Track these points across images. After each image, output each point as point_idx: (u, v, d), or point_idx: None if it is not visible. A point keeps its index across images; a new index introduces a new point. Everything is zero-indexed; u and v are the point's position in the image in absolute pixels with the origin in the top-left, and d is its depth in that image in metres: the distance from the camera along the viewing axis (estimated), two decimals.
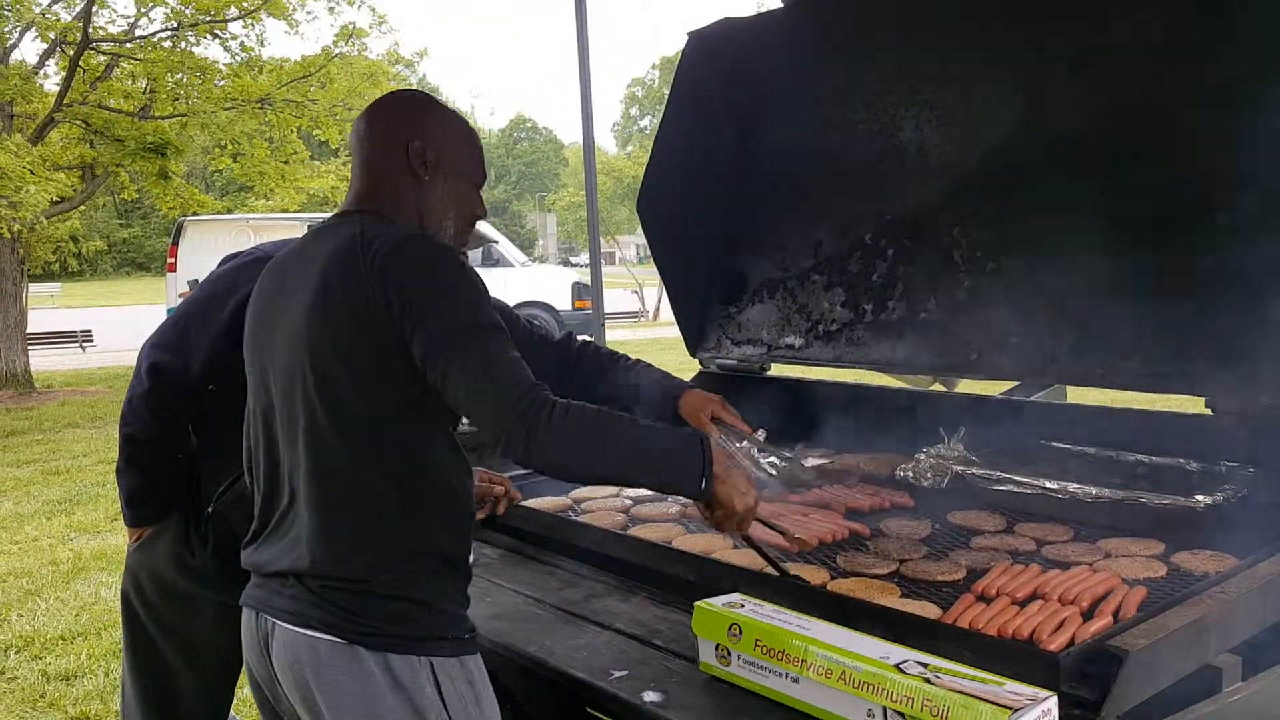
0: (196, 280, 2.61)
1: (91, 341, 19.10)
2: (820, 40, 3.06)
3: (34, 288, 18.77)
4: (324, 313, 1.62)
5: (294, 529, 1.67)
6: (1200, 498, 2.17)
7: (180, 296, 11.32)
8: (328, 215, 1.95)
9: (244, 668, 1.81)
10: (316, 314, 1.62)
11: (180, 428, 2.38)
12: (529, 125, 74.47)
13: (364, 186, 1.78)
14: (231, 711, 2.79)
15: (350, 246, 1.62)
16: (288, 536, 1.68)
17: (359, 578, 1.61)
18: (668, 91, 3.35)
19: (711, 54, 3.20)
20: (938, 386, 4.03)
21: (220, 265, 2.44)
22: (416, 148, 1.75)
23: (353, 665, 1.58)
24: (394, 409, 1.63)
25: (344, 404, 1.61)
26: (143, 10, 13.66)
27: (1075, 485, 2.30)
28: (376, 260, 1.58)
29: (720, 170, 3.32)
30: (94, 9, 12.77)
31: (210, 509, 2.35)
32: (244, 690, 3.83)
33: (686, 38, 3.22)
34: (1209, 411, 2.34)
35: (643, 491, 2.71)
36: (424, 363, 1.57)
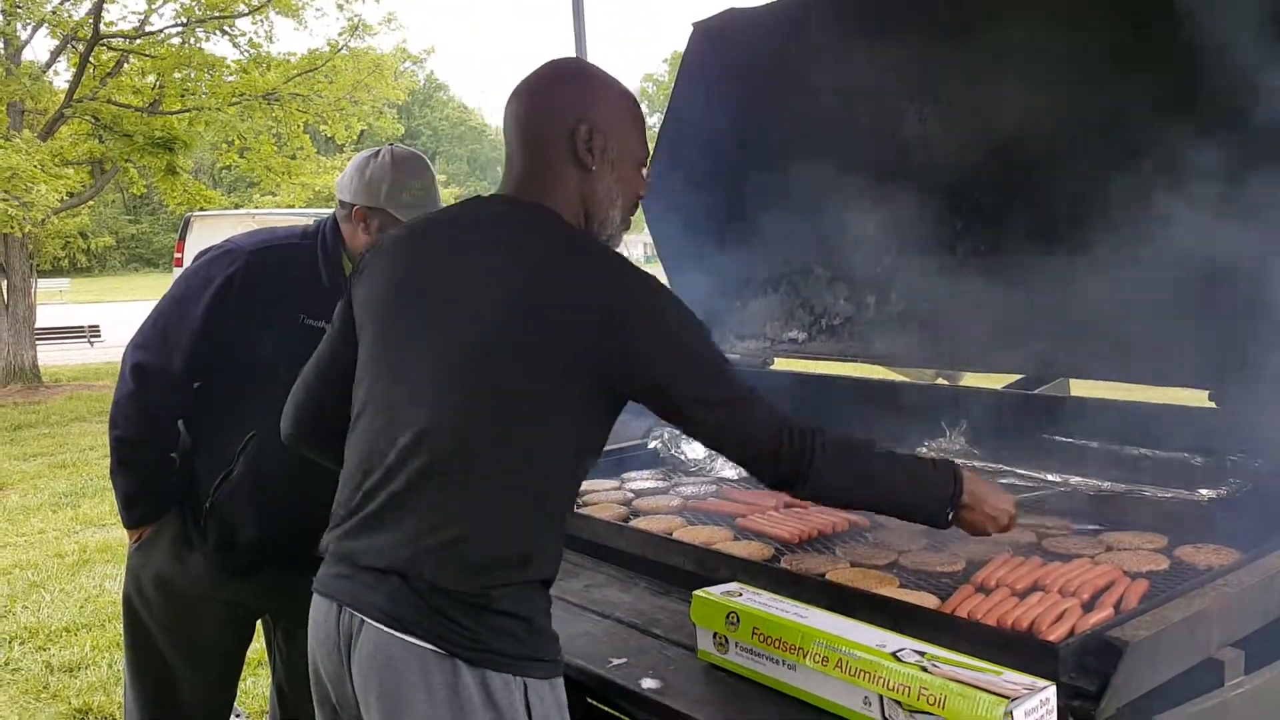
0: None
1: (99, 337, 19.15)
2: (824, 32, 3.05)
3: (43, 283, 18.79)
4: (536, 331, 1.51)
5: (409, 524, 1.51)
6: (1204, 491, 2.15)
7: None
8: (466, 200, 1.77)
9: (312, 665, 1.65)
10: (528, 328, 1.52)
11: (169, 426, 2.37)
12: None
13: (525, 172, 1.65)
14: (235, 706, 2.79)
15: (565, 279, 1.53)
16: (399, 530, 1.51)
17: (477, 590, 1.48)
18: (671, 93, 3.35)
19: (715, 46, 3.19)
20: (940, 380, 4.02)
21: (194, 260, 2.44)
22: (583, 133, 1.62)
23: (449, 678, 1.46)
24: (569, 436, 1.56)
25: (521, 418, 1.52)
26: (153, 7, 13.71)
27: (1078, 478, 2.29)
28: (613, 323, 1.49)
29: (724, 164, 3.31)
30: (105, 6, 12.81)
31: (208, 504, 2.34)
32: (246, 682, 3.86)
33: (691, 29, 3.22)
34: (1213, 405, 2.33)
35: (646, 484, 2.71)
36: (677, 418, 1.57)
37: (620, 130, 1.67)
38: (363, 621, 1.52)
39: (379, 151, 2.44)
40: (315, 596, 1.63)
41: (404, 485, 1.52)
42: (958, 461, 2.43)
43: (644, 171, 1.73)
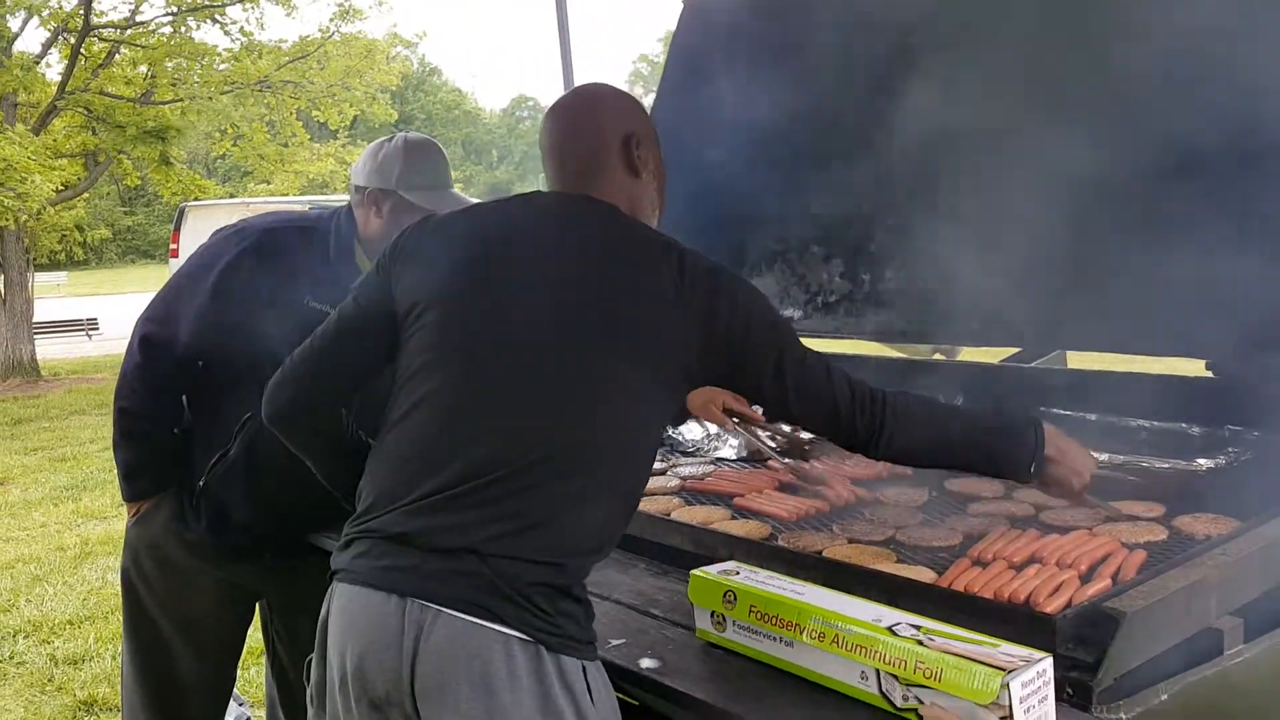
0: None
1: (98, 329, 19.13)
2: (816, 7, 3.03)
3: (40, 277, 18.80)
4: (630, 319, 1.55)
5: (493, 509, 1.49)
6: (1202, 461, 2.15)
7: None
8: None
9: (349, 661, 1.53)
10: (620, 317, 1.55)
11: (174, 400, 2.38)
12: (530, 104, 74.16)
13: (583, 172, 1.70)
14: (235, 691, 2.80)
15: (658, 265, 1.57)
16: (481, 510, 1.49)
17: (563, 575, 1.49)
18: (662, 72, 3.33)
19: (705, 23, 3.17)
20: (938, 356, 4.01)
21: (210, 237, 2.45)
22: (634, 140, 1.72)
23: (534, 665, 1.45)
24: (656, 423, 1.63)
25: (618, 411, 1.55)
26: None
27: None
28: (696, 295, 1.56)
29: (718, 142, 3.29)
30: None
31: (201, 483, 2.34)
32: (249, 671, 3.87)
33: (681, 6, 3.19)
34: (1210, 374, 2.32)
35: None
36: (757, 394, 1.65)
37: (654, 147, 1.78)
38: (437, 612, 1.46)
39: (393, 137, 2.47)
40: (354, 589, 1.54)
41: (487, 478, 1.49)
42: None
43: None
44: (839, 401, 1.63)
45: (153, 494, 2.41)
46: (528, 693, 1.44)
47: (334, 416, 1.86)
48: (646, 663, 1.66)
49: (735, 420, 2.56)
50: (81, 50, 12.83)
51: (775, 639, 1.59)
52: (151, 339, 2.32)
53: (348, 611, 1.54)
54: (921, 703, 1.39)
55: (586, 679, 1.49)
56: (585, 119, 1.74)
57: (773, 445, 2.64)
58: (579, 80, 5.97)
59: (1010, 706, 1.30)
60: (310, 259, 2.37)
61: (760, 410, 2.53)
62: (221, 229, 2.47)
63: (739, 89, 3.27)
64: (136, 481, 2.40)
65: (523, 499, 1.49)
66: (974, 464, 1.78)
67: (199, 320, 2.30)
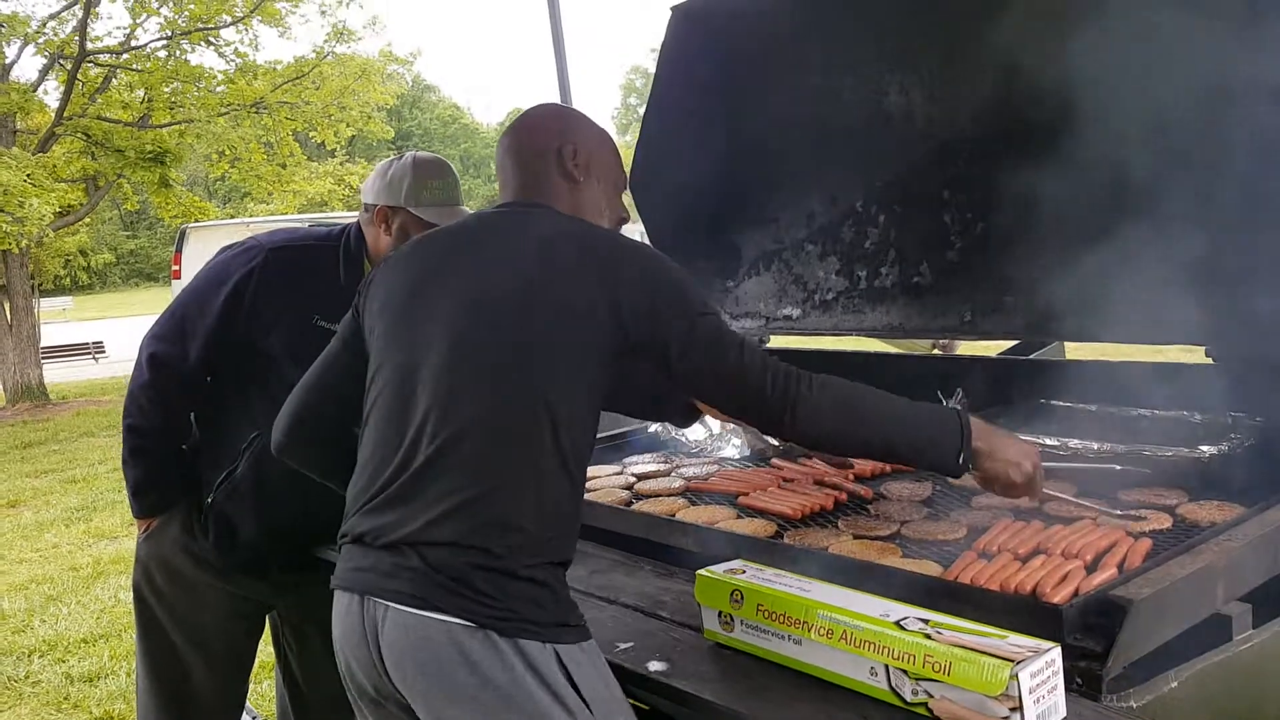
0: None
1: (104, 352, 19.19)
2: (804, 8, 3.03)
3: (45, 302, 18.86)
4: (542, 293, 1.61)
5: (430, 492, 1.54)
6: (1205, 449, 2.15)
7: None
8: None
9: (342, 662, 1.64)
10: (533, 293, 1.61)
11: (181, 417, 2.40)
12: None
13: (521, 185, 1.81)
14: (247, 703, 2.81)
15: (564, 245, 1.65)
16: (417, 501, 1.54)
17: (500, 554, 1.49)
18: (653, 80, 3.34)
19: (695, 28, 3.18)
20: (935, 351, 4.01)
21: (216, 255, 2.45)
22: (569, 151, 1.80)
23: (489, 651, 1.47)
24: (586, 393, 1.62)
25: (542, 380, 1.57)
26: (138, 21, 13.70)
27: (1077, 441, 2.28)
28: (604, 265, 1.62)
29: (710, 145, 3.30)
30: (90, 21, 12.79)
31: (209, 500, 2.35)
32: (262, 685, 3.87)
33: (670, 13, 3.20)
34: (1209, 361, 2.32)
35: (647, 468, 2.71)
36: (667, 359, 1.62)
37: (600, 153, 1.85)
38: (386, 608, 1.52)
39: (402, 155, 2.49)
40: (336, 593, 1.63)
41: (421, 463, 1.55)
42: None
43: (621, 197, 1.92)
44: (750, 374, 1.61)
45: (162, 510, 2.42)
46: (490, 678, 1.46)
47: (340, 439, 1.87)
48: (655, 666, 1.66)
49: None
50: (78, 76, 12.87)
51: (784, 637, 1.59)
52: (159, 357, 2.33)
53: (335, 617, 1.65)
54: (931, 696, 1.39)
55: (562, 663, 1.49)
56: (522, 138, 1.84)
57: (775, 444, 2.64)
58: (575, 92, 6.00)
59: (1020, 697, 1.30)
60: (319, 277, 2.37)
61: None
62: (229, 246, 2.47)
63: (730, 91, 3.28)
64: (145, 498, 2.42)
65: (444, 480, 1.53)
66: (898, 450, 1.73)
67: (207, 338, 2.31)
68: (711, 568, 1.76)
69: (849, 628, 1.50)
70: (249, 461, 2.34)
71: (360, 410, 1.76)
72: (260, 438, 2.32)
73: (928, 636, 1.42)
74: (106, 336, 20.09)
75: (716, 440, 2.85)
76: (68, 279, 40.60)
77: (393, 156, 2.50)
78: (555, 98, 4.75)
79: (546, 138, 1.81)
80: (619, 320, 1.60)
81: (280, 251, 2.38)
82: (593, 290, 1.59)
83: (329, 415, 1.85)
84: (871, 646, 1.47)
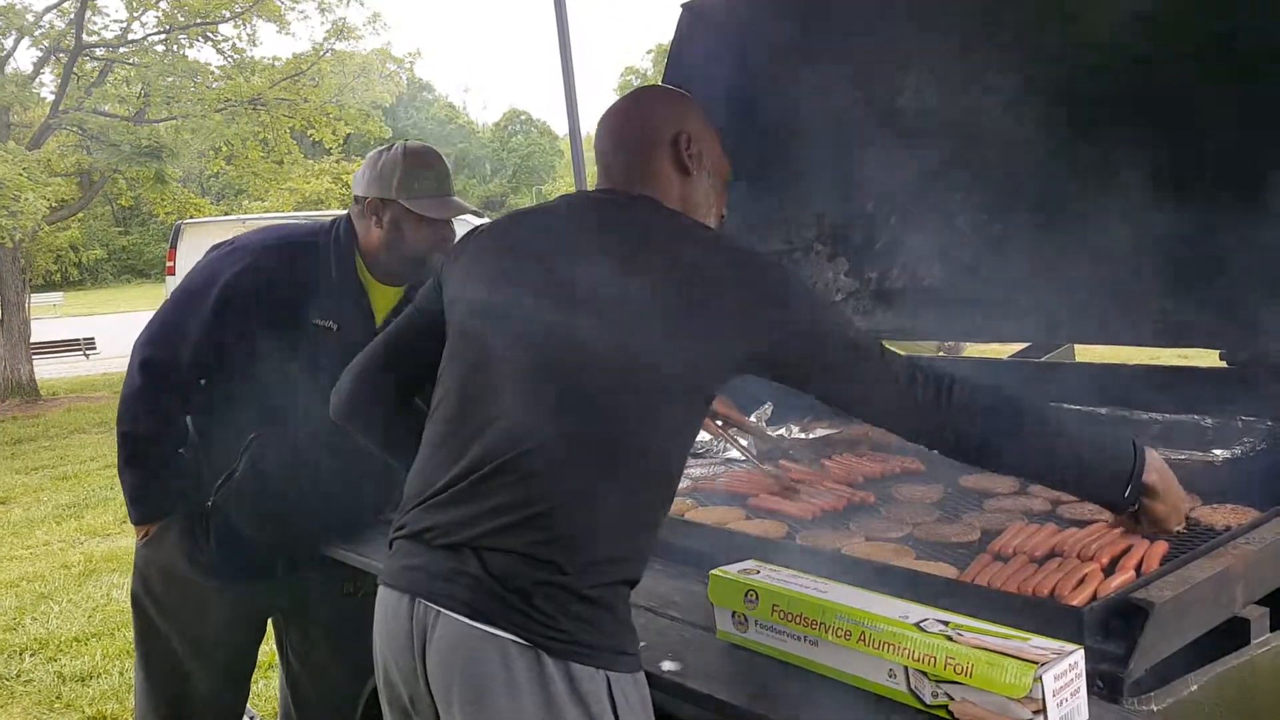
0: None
1: (95, 349, 19.09)
2: (815, 6, 3.02)
3: (36, 298, 18.78)
4: (639, 305, 1.48)
5: (500, 497, 1.45)
6: (1218, 452, 2.14)
7: None
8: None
9: (380, 665, 1.57)
10: (638, 304, 1.48)
11: (176, 422, 2.36)
12: (523, 118, 74.21)
13: (629, 171, 1.66)
14: (248, 707, 2.78)
15: (695, 255, 1.52)
16: (487, 502, 1.45)
17: (569, 571, 1.41)
18: (661, 79, 3.32)
19: (705, 26, 3.17)
20: (940, 353, 4.00)
21: (205, 256, 2.42)
22: (684, 141, 1.66)
23: (533, 673, 1.40)
24: (686, 411, 1.54)
25: (641, 397, 1.47)
26: (135, 15, 13.65)
27: None
28: (736, 288, 1.49)
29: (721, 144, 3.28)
30: (87, 15, 12.74)
31: (210, 503, 2.32)
32: (259, 685, 3.84)
33: (680, 10, 3.19)
34: (1223, 364, 2.31)
35: None
36: (805, 381, 1.56)
37: (712, 145, 1.72)
38: (438, 613, 1.45)
39: (391, 146, 2.43)
40: (382, 590, 1.55)
41: (492, 468, 1.46)
42: None
43: (725, 194, 1.78)
44: (906, 394, 1.53)
45: (160, 516, 2.39)
46: (529, 700, 1.39)
47: (406, 410, 1.82)
48: (668, 665, 1.63)
49: (719, 424, 2.52)
50: (74, 69, 12.82)
51: (800, 638, 1.57)
52: (151, 362, 2.30)
53: (379, 615, 1.55)
54: (952, 699, 1.37)
55: (611, 692, 1.42)
56: (634, 120, 1.70)
57: (753, 452, 2.61)
58: (580, 92, 5.99)
59: (1043, 700, 1.29)
60: (310, 274, 2.33)
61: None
62: (218, 245, 2.43)
63: (739, 90, 3.26)
64: (144, 505, 2.38)
65: (523, 489, 1.44)
66: (1063, 474, 1.62)
67: (199, 341, 2.28)
68: (725, 567, 1.74)
69: (867, 629, 1.48)
70: (248, 462, 2.30)
71: (418, 383, 1.72)
72: (258, 440, 2.30)
73: (949, 638, 1.41)
74: (98, 333, 19.99)
75: (722, 441, 2.83)
76: (59, 274, 40.48)
77: (381, 147, 2.45)
78: (559, 98, 4.73)
79: (661, 124, 1.67)
80: (748, 351, 1.50)
81: (269, 251, 2.34)
82: (719, 313, 1.47)
83: (398, 382, 1.78)
84: (891, 648, 1.45)
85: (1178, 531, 1.68)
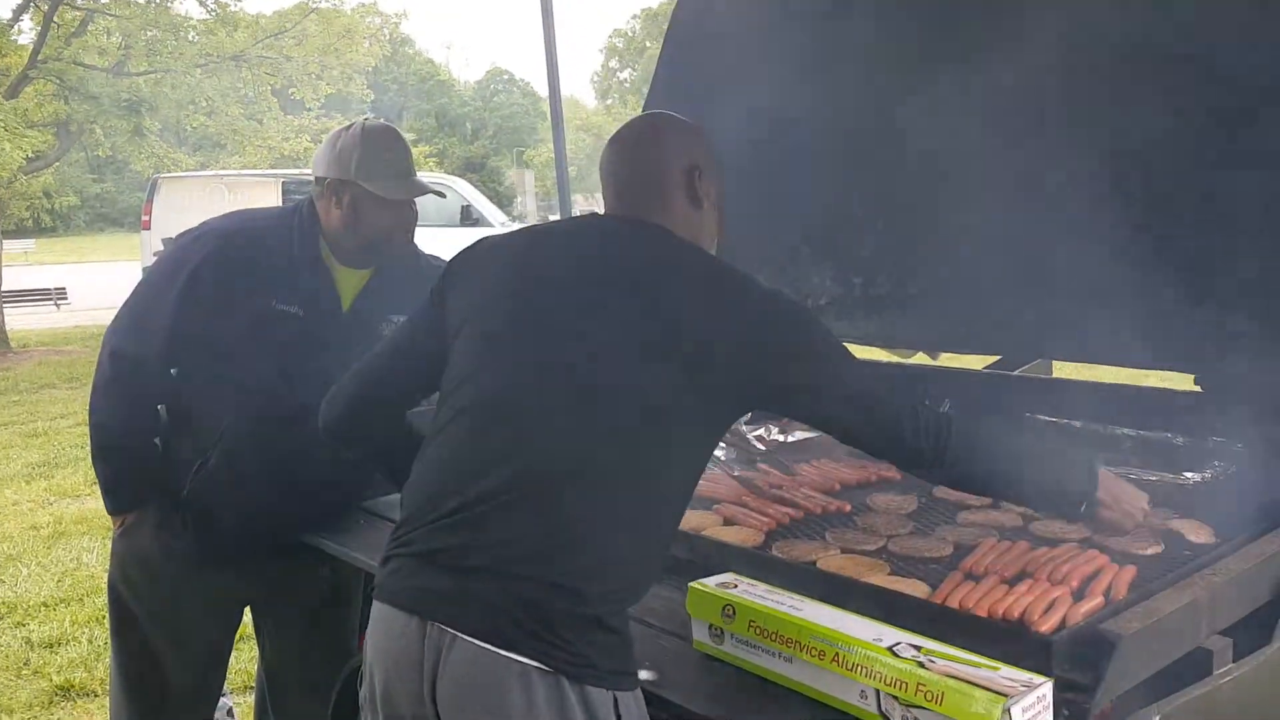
0: (171, 238, 2.58)
1: (66, 299, 18.86)
2: (808, 7, 3.01)
3: (7, 244, 18.43)
4: (660, 332, 1.54)
5: (521, 524, 1.47)
6: (1189, 475, 2.18)
7: (155, 255, 11.22)
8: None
9: (379, 684, 1.55)
10: (652, 332, 1.54)
11: (148, 412, 2.35)
12: (505, 77, 73.17)
13: (642, 199, 1.71)
14: (225, 687, 2.79)
15: (706, 286, 1.59)
16: (507, 529, 1.47)
17: (591, 600, 1.44)
18: (649, 43, 3.31)
19: (699, 27, 3.15)
20: (921, 357, 4.03)
21: (170, 244, 2.41)
22: (697, 173, 1.72)
23: (554, 695, 1.41)
24: (704, 438, 1.61)
25: (662, 429, 1.53)
26: None
27: None
28: (740, 314, 1.56)
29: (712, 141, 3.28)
30: None
31: (185, 492, 2.32)
32: (232, 672, 3.83)
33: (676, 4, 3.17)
34: (1197, 389, 2.35)
35: None
36: (812, 418, 1.70)
37: (719, 179, 1.78)
38: (454, 637, 1.44)
39: (351, 125, 2.40)
40: (384, 608, 1.54)
41: (513, 496, 1.48)
42: None
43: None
44: (899, 425, 1.63)
45: (136, 506, 2.39)
46: None
47: (399, 426, 1.86)
48: (644, 674, 1.65)
49: None
50: (54, 18, 12.57)
51: (775, 654, 1.60)
52: (121, 352, 2.29)
53: (378, 631, 1.56)
54: None
55: (617, 709, 1.46)
56: (649, 148, 1.75)
57: (760, 447, 2.64)
58: (561, 53, 5.93)
59: None
60: (274, 260, 2.32)
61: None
62: (183, 233, 2.41)
63: (725, 90, 3.25)
64: (118, 495, 2.38)
65: (546, 517, 1.47)
66: (1024, 492, 1.80)
67: (167, 330, 2.27)
68: (704, 580, 1.76)
69: (840, 651, 1.51)
70: (222, 450, 2.31)
71: (409, 401, 1.75)
72: (231, 426, 2.30)
73: (920, 664, 1.44)
74: (69, 282, 19.74)
75: None
76: (30, 220, 39.77)
77: (341, 126, 2.42)
78: (540, 58, 4.66)
79: (676, 154, 1.72)
80: (750, 380, 1.56)
81: (233, 236, 2.33)
82: (727, 343, 1.53)
83: (391, 401, 1.82)
84: (863, 670, 1.48)
85: (1131, 528, 1.84)
